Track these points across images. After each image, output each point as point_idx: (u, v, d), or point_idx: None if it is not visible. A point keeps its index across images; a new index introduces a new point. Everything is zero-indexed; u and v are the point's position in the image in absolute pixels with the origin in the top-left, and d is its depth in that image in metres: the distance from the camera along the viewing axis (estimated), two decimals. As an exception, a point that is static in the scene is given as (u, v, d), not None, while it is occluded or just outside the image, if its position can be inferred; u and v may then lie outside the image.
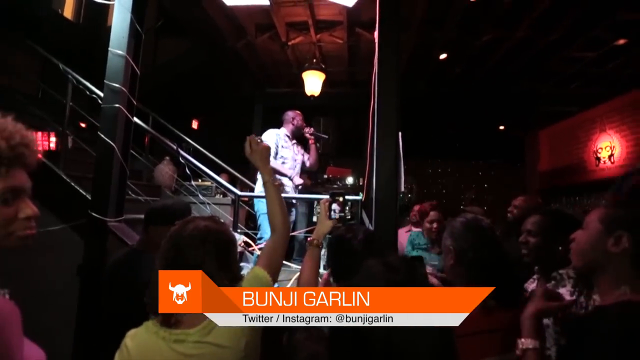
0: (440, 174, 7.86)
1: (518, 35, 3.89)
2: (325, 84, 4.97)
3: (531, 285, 1.55)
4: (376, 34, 2.17)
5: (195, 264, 0.90)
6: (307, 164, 3.28)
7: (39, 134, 2.68)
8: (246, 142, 1.25)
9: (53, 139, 2.73)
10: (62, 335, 2.07)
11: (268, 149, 1.28)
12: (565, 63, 4.56)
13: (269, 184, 1.19)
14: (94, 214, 2.16)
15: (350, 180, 3.70)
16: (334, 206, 1.30)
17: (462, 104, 5.91)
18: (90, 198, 2.26)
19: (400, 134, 2.05)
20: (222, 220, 1.10)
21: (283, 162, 3.09)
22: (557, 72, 4.85)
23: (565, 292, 1.33)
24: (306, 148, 3.35)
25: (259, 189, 3.12)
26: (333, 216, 1.29)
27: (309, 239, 1.30)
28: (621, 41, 3.93)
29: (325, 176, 3.72)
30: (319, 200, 1.48)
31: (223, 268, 0.95)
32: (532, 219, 1.58)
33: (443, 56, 4.52)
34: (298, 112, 3.26)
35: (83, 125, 4.10)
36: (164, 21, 5.20)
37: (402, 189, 2.03)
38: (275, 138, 3.08)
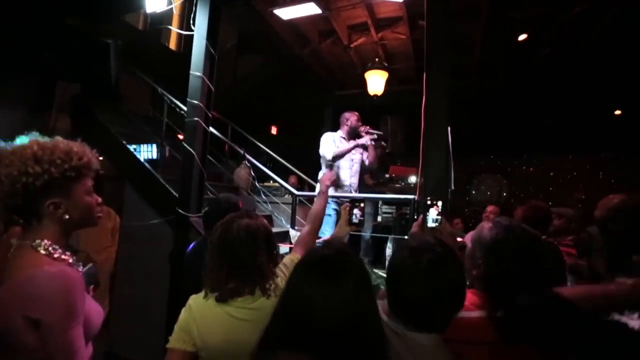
0: (535, 172, 6.91)
1: (621, 3, 3.23)
2: (392, 81, 4.90)
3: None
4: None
5: (249, 259, 1.10)
6: (367, 162, 3.30)
7: (144, 145, 3.34)
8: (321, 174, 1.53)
9: (154, 149, 3.35)
10: (159, 303, 2.56)
11: (333, 177, 1.55)
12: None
13: (322, 194, 1.52)
14: (179, 210, 2.61)
15: (413, 179, 3.58)
16: (355, 211, 1.35)
17: (556, 89, 5.11)
18: (177, 197, 2.74)
19: (449, 130, 1.96)
20: (258, 215, 1.29)
21: (339, 162, 3.17)
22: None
23: None
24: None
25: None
26: (354, 221, 1.35)
27: (323, 239, 1.38)
28: None
29: (388, 175, 3.68)
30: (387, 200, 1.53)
31: (270, 258, 1.15)
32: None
33: (522, 37, 4.01)
34: (354, 112, 3.31)
35: (181, 137, 4.90)
36: (241, 40, 5.82)
37: (452, 187, 1.93)
38: (332, 138, 3.19)
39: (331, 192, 3.12)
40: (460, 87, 5.03)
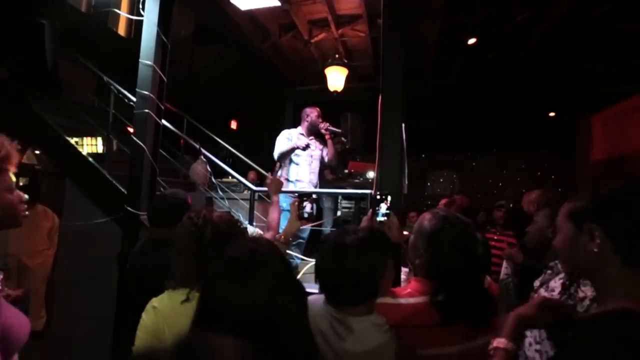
0: (482, 168, 7.43)
1: (557, 13, 3.55)
2: (353, 78, 4.97)
3: (538, 281, 1.48)
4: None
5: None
6: (326, 159, 3.33)
7: (88, 138, 3.07)
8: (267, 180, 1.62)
9: (100, 143, 3.10)
10: (105, 309, 2.39)
11: (280, 182, 1.78)
12: (618, 38, 4.05)
13: (275, 204, 1.62)
14: (128, 208, 2.45)
15: (372, 174, 3.68)
16: (306, 204, 1.36)
17: (501, 91, 5.52)
18: (126, 194, 2.56)
19: (404, 127, 2.03)
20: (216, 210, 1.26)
21: (297, 158, 3.20)
22: (610, 50, 4.33)
23: (559, 284, 1.26)
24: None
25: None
26: (304, 215, 1.36)
27: (276, 236, 1.38)
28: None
29: (347, 171, 3.74)
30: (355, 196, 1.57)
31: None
32: (542, 212, 1.50)
33: (472, 41, 4.27)
34: (315, 108, 3.32)
35: (131, 130, 4.59)
36: (198, 29, 5.57)
37: (407, 182, 2.01)
38: (288, 137, 3.21)
39: (291, 187, 3.12)
40: (416, 86, 5.25)
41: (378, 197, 1.28)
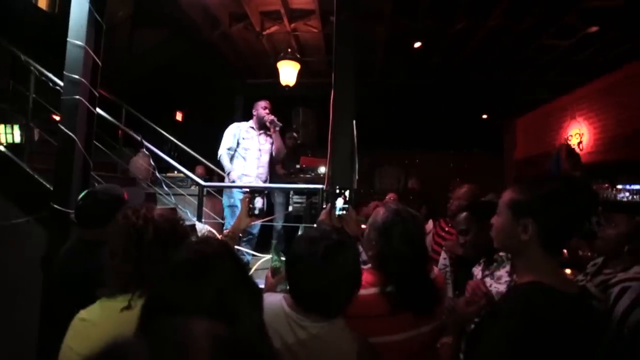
0: (425, 165, 7.94)
1: (491, 24, 3.90)
2: (305, 74, 4.96)
3: (477, 269, 1.61)
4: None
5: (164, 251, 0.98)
6: (273, 153, 3.32)
7: (1, 126, 2.68)
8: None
9: (17, 131, 2.72)
10: (26, 322, 2.12)
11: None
12: (541, 51, 4.58)
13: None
14: (55, 206, 2.19)
15: (323, 169, 3.73)
16: (257, 201, 1.34)
17: (444, 93, 5.93)
18: (52, 190, 2.29)
19: (354, 123, 2.08)
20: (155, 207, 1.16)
21: (245, 153, 3.17)
22: (533, 60, 4.88)
23: (504, 272, 1.39)
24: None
25: (227, 181, 3.17)
26: (255, 212, 1.34)
27: (225, 231, 1.35)
28: (593, 29, 3.95)
29: (298, 166, 3.75)
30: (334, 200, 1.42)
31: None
32: (461, 217, 1.61)
33: (417, 44, 4.52)
34: (265, 101, 3.28)
35: (57, 118, 4.09)
36: (140, 12, 5.12)
37: (357, 177, 2.07)
38: (235, 132, 3.18)
39: (238, 182, 3.05)
40: (366, 84, 5.41)
41: (337, 191, 1.30)
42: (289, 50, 4.26)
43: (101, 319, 0.95)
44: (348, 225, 1.32)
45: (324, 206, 2.23)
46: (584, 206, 0.85)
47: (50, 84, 2.65)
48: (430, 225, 2.67)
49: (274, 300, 0.93)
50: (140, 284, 0.97)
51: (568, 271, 1.65)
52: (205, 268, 0.64)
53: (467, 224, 1.50)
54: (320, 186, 2.38)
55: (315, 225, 1.43)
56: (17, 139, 2.77)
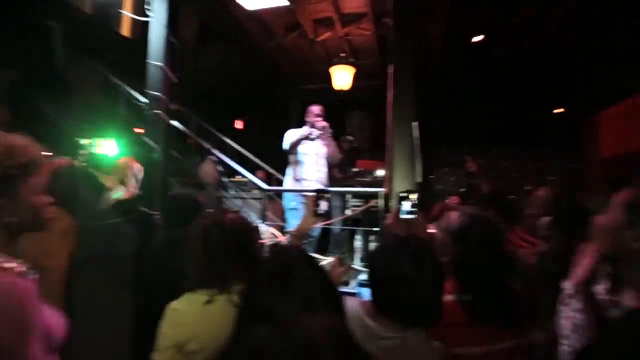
0: (492, 166, 7.37)
1: (564, 9, 3.53)
2: (358, 77, 4.97)
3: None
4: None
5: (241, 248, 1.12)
6: (327, 157, 3.38)
7: (99, 139, 3.09)
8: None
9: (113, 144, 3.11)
10: (122, 309, 2.41)
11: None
12: (630, 34, 4.01)
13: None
14: (143, 209, 2.47)
15: (381, 172, 3.69)
16: (322, 202, 1.36)
17: (509, 88, 5.49)
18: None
19: (416, 124, 2.04)
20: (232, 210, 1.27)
21: (304, 158, 3.27)
22: (620, 45, 4.29)
23: (600, 289, 1.25)
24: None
25: (287, 184, 3.29)
26: (320, 212, 1.36)
27: (291, 231, 1.39)
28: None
29: (355, 169, 3.75)
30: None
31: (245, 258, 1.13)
32: (542, 222, 1.47)
33: (477, 38, 4.26)
34: (315, 107, 3.37)
35: (141, 131, 4.62)
36: (204, 29, 5.57)
37: (419, 179, 2.02)
38: (296, 132, 3.28)
39: (298, 186, 3.15)
40: (423, 84, 5.23)
41: (404, 194, 1.27)
42: (342, 54, 4.30)
43: (187, 309, 1.07)
44: (415, 230, 1.29)
45: (385, 209, 2.21)
46: None
47: (134, 102, 3.00)
48: None
49: (351, 305, 0.92)
50: (216, 279, 1.08)
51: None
52: (291, 278, 0.67)
53: (548, 230, 1.37)
54: (380, 189, 2.36)
55: (376, 230, 1.42)
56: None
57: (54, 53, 3.09)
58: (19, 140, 0.82)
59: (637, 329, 0.66)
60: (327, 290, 0.69)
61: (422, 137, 2.28)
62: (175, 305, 1.09)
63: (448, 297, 0.97)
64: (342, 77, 4.28)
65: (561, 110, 6.65)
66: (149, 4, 2.63)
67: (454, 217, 1.05)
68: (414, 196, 1.27)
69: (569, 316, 0.92)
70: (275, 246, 1.33)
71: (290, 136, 3.28)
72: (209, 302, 1.06)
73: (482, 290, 0.95)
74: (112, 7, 4.55)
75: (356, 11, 3.81)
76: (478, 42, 4.34)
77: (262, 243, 2.61)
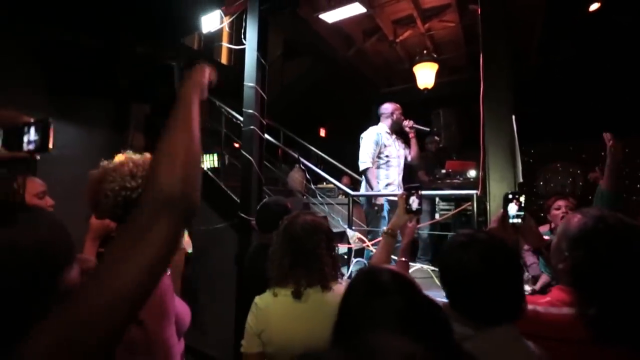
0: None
1: None
2: (442, 72, 4.68)
3: None
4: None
5: (312, 248, 1.19)
6: (409, 158, 3.20)
7: (207, 155, 3.61)
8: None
9: (215, 158, 3.60)
10: (227, 302, 2.74)
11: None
12: None
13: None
14: (241, 215, 2.78)
15: (473, 173, 3.37)
16: (413, 198, 1.32)
17: (634, 63, 4.46)
18: (239, 202, 2.91)
19: (514, 118, 1.83)
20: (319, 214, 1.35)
21: (388, 161, 3.08)
22: None
23: None
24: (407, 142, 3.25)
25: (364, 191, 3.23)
26: (413, 209, 1.32)
27: (385, 228, 1.36)
28: None
29: (444, 171, 3.53)
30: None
31: (329, 252, 1.23)
32: None
33: (595, 6, 3.58)
34: (397, 105, 3.23)
35: (237, 145, 5.21)
36: (288, 47, 6.00)
37: (521, 179, 1.80)
38: (377, 137, 3.04)
39: (384, 192, 3.07)
40: (521, 69, 4.64)
41: (510, 196, 1.14)
42: (425, 51, 4.13)
43: (267, 304, 1.20)
44: (525, 236, 1.15)
45: (480, 213, 2.03)
46: None
47: (234, 120, 3.41)
48: None
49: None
50: (293, 279, 1.18)
51: None
52: (380, 293, 0.67)
53: None
54: (473, 191, 2.18)
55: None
56: (215, 164, 3.69)
57: (174, 88, 3.74)
58: None
59: None
60: (420, 302, 0.67)
61: (523, 130, 2.03)
62: (256, 299, 1.23)
63: (565, 310, 0.84)
64: (425, 74, 4.10)
65: None
66: (244, 33, 2.96)
67: (573, 218, 0.91)
68: (522, 198, 1.12)
69: None
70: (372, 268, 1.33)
71: (369, 146, 3.00)
72: (287, 297, 1.17)
73: (613, 303, 0.80)
74: (213, 41, 5.26)
75: (438, 4, 3.62)
76: (596, 10, 3.65)
77: (350, 247, 2.67)
